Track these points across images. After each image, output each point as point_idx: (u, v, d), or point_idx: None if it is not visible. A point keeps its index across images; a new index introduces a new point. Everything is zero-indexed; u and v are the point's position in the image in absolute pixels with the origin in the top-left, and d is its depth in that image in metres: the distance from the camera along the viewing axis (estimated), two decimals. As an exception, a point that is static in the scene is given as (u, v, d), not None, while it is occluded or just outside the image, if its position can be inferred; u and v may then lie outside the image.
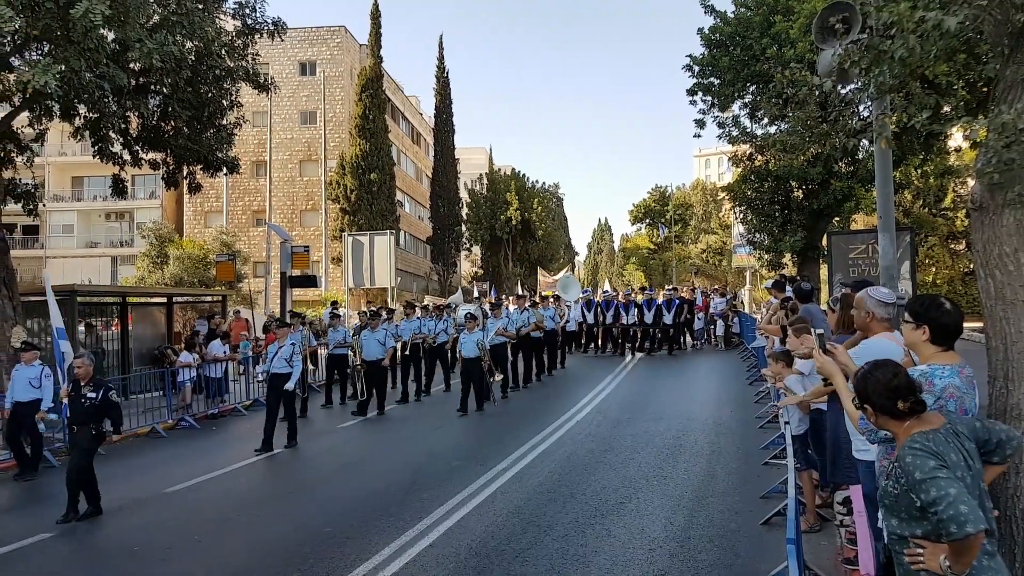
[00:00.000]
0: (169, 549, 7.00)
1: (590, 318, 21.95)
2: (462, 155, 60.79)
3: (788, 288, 10.55)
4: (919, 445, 2.66)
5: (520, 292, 23.83)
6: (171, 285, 29.51)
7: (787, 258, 20.34)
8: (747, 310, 29.58)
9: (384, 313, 15.90)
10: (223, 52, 12.77)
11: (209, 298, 20.17)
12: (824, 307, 8.59)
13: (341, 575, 5.96)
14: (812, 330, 4.18)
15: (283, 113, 45.64)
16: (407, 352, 15.67)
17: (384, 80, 46.26)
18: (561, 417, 12.35)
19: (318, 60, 47.51)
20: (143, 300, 18.33)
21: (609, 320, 21.42)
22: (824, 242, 18.63)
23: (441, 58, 54.16)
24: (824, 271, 19.71)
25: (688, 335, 22.53)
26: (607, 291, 27.52)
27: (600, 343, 22.15)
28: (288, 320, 14.88)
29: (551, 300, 19.69)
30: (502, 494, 8.14)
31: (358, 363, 14.20)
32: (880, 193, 10.58)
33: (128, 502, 8.70)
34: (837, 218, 19.98)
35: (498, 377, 13.99)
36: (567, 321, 20.37)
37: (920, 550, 2.64)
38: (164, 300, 17.90)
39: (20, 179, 14.63)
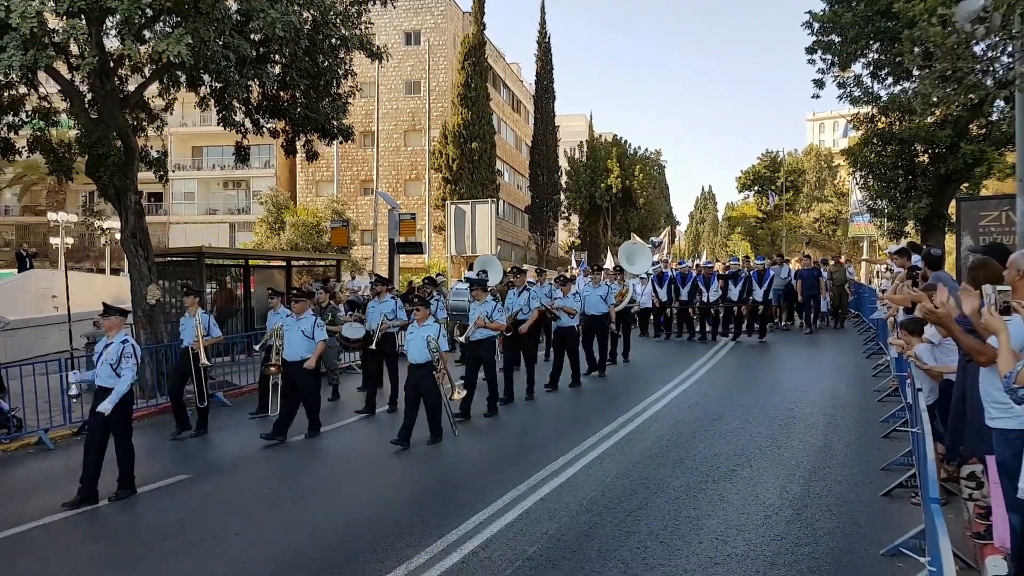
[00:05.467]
0: (296, 493, 7.44)
1: (662, 294, 18.32)
2: (562, 122, 60.32)
3: (914, 256, 10.04)
4: None
5: (522, 267, 17.55)
6: (288, 250, 30.89)
7: (910, 226, 19.23)
8: (863, 280, 28.20)
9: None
10: (338, 21, 13.11)
11: (323, 263, 21.00)
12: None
13: (461, 522, 6.17)
14: (990, 287, 3.90)
15: (388, 83, 46.46)
16: (373, 346, 11.25)
17: (486, 48, 46.33)
18: (665, 386, 12.24)
19: (422, 29, 48.01)
20: (264, 263, 19.30)
21: (684, 297, 17.96)
22: (951, 209, 17.52)
23: (543, 24, 53.67)
24: (950, 240, 18.57)
25: (807, 313, 19.09)
26: (683, 262, 24.23)
27: (676, 325, 18.75)
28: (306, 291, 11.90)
29: (608, 274, 15.99)
30: (609, 456, 8.20)
31: (272, 364, 10.25)
32: (1020, 153, 9.89)
33: (256, 451, 9.25)
34: (966, 184, 18.72)
35: (457, 395, 9.85)
36: (631, 301, 16.40)
37: None
38: (283, 263, 18.78)
39: (151, 147, 15.56)
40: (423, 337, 9.26)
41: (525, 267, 19.38)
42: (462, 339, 10.96)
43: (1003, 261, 5.48)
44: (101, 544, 6.34)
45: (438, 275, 26.50)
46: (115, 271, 42.57)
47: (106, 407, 7.40)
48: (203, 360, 10.46)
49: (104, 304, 8.22)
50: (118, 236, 17.64)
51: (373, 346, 11.22)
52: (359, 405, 11.47)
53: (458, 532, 5.96)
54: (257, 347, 11.61)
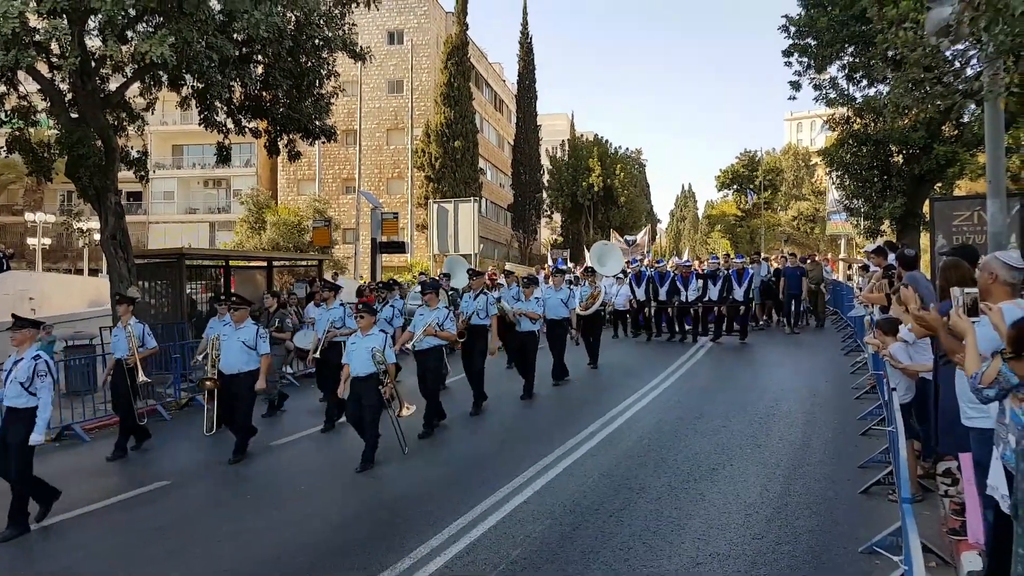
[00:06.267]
0: (277, 499, 7.46)
1: (640, 294, 17.74)
2: (544, 121, 60.48)
3: (890, 255, 10.21)
4: None
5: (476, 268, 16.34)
6: (269, 250, 30.75)
7: (886, 225, 19.54)
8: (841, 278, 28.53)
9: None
10: (321, 22, 13.11)
11: (305, 262, 20.94)
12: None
13: (444, 526, 6.22)
14: (958, 289, 4.05)
15: (371, 83, 46.32)
16: (318, 355, 10.53)
17: (469, 48, 46.31)
18: (645, 386, 12.34)
19: (405, 29, 47.90)
20: (244, 263, 19.24)
21: (663, 297, 17.43)
22: (925, 209, 17.82)
23: (525, 24, 53.77)
24: (924, 239, 18.88)
25: (789, 312, 18.81)
26: (660, 260, 23.23)
27: (654, 325, 18.06)
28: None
29: (572, 274, 15.53)
30: (591, 458, 8.25)
31: (207, 378, 9.55)
32: (990, 157, 10.08)
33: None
34: (939, 184, 19.07)
35: (405, 412, 8.89)
36: (603, 304, 15.74)
37: None
38: (264, 264, 18.70)
39: (131, 147, 15.46)
40: (367, 348, 8.42)
41: (489, 268, 18.42)
42: (409, 346, 9.85)
43: (972, 262, 5.65)
44: (79, 554, 6.31)
45: (421, 274, 26.46)
46: (93, 272, 42.15)
47: (36, 439, 6.82)
48: (141, 377, 9.54)
49: (13, 315, 7.35)
50: (97, 237, 17.54)
51: (317, 355, 10.47)
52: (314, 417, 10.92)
53: (441, 537, 6.01)
54: (192, 361, 10.70)
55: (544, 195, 56.33)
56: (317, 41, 13.28)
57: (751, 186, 68.81)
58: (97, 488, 7.95)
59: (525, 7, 53.67)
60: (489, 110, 57.03)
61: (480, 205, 41.84)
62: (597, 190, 54.83)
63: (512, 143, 56.15)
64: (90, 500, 7.54)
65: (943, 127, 17.64)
